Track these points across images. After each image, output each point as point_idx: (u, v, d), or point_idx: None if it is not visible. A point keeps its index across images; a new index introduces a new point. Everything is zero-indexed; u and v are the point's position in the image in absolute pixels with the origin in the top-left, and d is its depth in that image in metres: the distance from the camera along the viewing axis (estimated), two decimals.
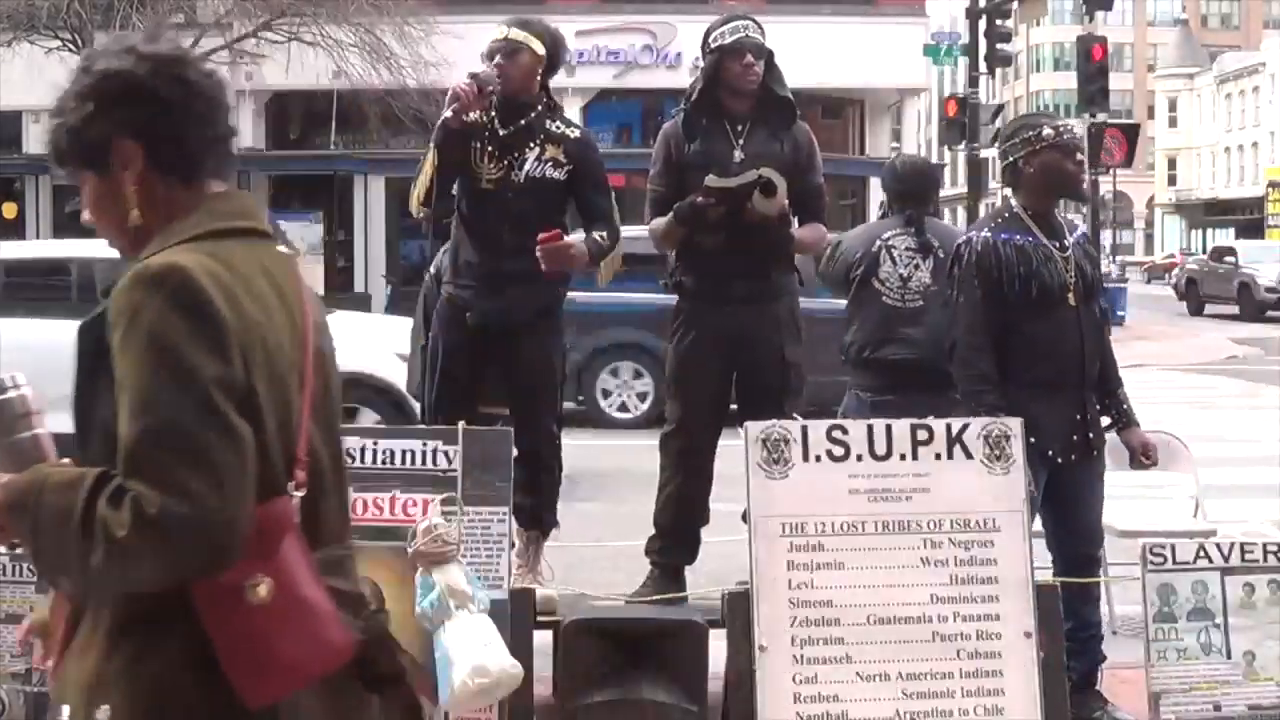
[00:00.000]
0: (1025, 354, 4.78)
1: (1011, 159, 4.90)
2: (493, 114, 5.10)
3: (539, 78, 5.15)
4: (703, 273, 5.08)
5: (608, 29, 28.61)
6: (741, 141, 5.10)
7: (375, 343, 10.21)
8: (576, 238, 5.12)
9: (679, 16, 26.91)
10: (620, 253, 5.19)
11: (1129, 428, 5.10)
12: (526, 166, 5.07)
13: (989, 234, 4.82)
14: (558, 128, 5.14)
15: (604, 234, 5.08)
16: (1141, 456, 5.12)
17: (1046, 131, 4.88)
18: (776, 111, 5.17)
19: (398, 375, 9.74)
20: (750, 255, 4.98)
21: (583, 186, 5.11)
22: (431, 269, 5.87)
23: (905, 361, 5.77)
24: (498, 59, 5.04)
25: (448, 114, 4.94)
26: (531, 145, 5.08)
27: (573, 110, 28.91)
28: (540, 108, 5.14)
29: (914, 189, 6.08)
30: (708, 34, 5.15)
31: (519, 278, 5.05)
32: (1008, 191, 5.04)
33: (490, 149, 5.08)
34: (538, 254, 4.88)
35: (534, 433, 4.59)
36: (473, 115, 5.06)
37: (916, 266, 5.86)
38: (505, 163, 5.06)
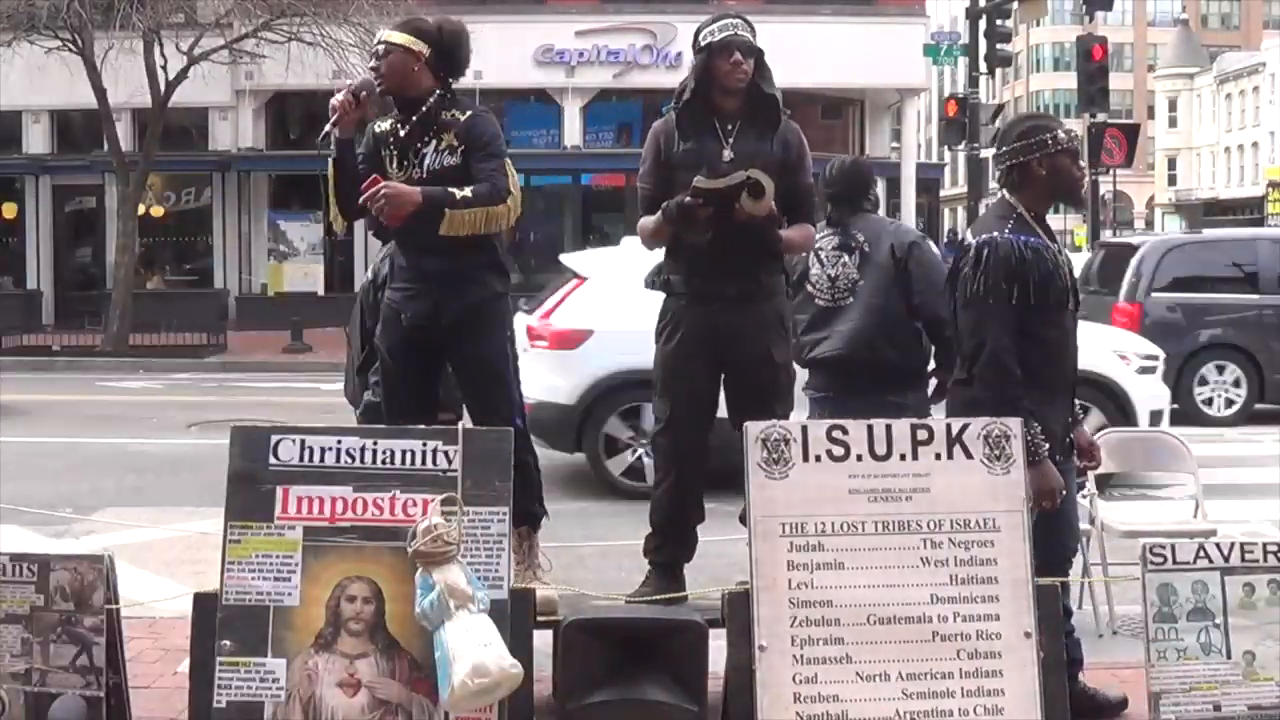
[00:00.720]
0: (1036, 357, 4.73)
1: (1023, 159, 4.82)
2: (397, 118, 5.14)
3: (418, 72, 5.11)
4: (690, 272, 5.08)
5: (608, 29, 28.64)
6: (731, 141, 5.08)
7: (1102, 346, 10.52)
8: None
9: (679, 16, 26.93)
10: (495, 212, 5.02)
11: (1075, 426, 5.10)
12: (426, 161, 5.08)
13: (1010, 235, 4.74)
14: (451, 115, 5.12)
15: (466, 189, 4.97)
16: (1086, 458, 5.14)
17: (1060, 135, 4.84)
18: (766, 111, 5.16)
19: (1121, 376, 10.38)
20: (738, 255, 4.98)
21: (470, 156, 5.08)
22: (368, 275, 5.88)
23: (834, 358, 5.93)
24: (371, 63, 5.11)
25: (328, 128, 4.99)
26: (427, 139, 5.09)
27: (573, 110, 28.96)
28: (433, 100, 5.13)
29: (841, 191, 6.19)
30: (698, 33, 5.15)
31: (443, 276, 5.08)
32: (1004, 192, 4.93)
33: (396, 152, 5.12)
34: (362, 203, 4.94)
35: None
36: (385, 124, 5.13)
37: (844, 265, 6.02)
38: (410, 162, 5.08)
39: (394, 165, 5.12)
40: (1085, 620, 6.30)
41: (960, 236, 5.18)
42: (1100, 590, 6.40)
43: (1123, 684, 5.17)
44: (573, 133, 29.21)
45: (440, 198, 4.93)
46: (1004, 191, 4.94)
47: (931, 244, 6.17)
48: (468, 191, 4.95)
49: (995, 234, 4.74)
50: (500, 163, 5.08)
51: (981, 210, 27.08)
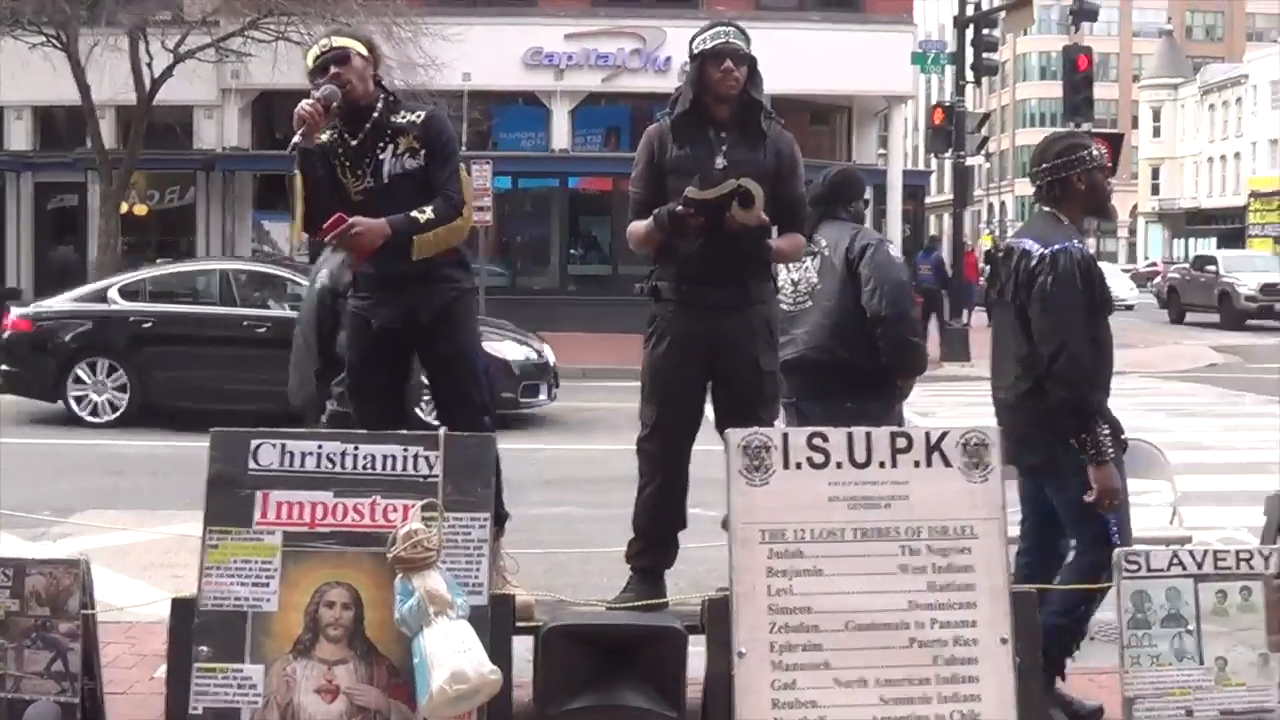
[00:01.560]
0: (1095, 360, 4.96)
1: (1064, 175, 5.12)
2: (338, 127, 5.10)
3: (371, 77, 5.13)
4: (679, 279, 5.10)
5: (596, 32, 28.65)
6: (725, 148, 5.10)
7: None
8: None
9: (668, 21, 26.99)
10: (455, 227, 5.08)
11: None
12: (386, 167, 5.08)
13: (1078, 244, 5.02)
14: (403, 118, 5.12)
15: (427, 209, 4.99)
16: None
17: (1096, 152, 5.18)
18: (758, 119, 5.19)
19: None
20: (727, 263, 5.00)
21: (429, 162, 5.10)
22: (322, 280, 5.87)
23: (792, 361, 5.90)
24: (332, 69, 5.03)
25: (297, 138, 4.94)
26: (383, 145, 5.08)
27: (561, 113, 28.96)
28: (380, 105, 5.12)
29: (822, 196, 6.19)
30: (693, 40, 5.18)
31: (415, 278, 5.08)
32: (1040, 206, 5.24)
33: (348, 162, 5.10)
34: (327, 242, 4.95)
35: (463, 428, 4.62)
36: (325, 135, 5.07)
37: (805, 269, 6.07)
38: (366, 170, 5.08)
39: (348, 176, 5.10)
40: None
41: (1000, 244, 5.33)
42: None
43: (1099, 689, 5.21)
44: (560, 136, 29.20)
45: (407, 225, 4.96)
46: (1040, 205, 5.23)
47: (890, 248, 6.16)
48: (429, 213, 4.98)
49: (1068, 243, 4.99)
50: (457, 169, 5.13)
51: (967, 218, 27.20)
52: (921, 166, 48.26)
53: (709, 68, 5.06)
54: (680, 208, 4.86)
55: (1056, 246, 4.96)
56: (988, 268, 29.20)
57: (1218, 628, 4.48)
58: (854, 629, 4.12)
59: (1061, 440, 4.90)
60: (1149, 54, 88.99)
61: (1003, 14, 26.43)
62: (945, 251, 28.14)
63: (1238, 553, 4.60)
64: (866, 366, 5.94)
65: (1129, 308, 41.13)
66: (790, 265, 6.01)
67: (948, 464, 4.31)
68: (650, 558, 5.19)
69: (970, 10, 26.31)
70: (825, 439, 4.30)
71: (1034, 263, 4.98)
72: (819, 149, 29.75)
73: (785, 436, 4.30)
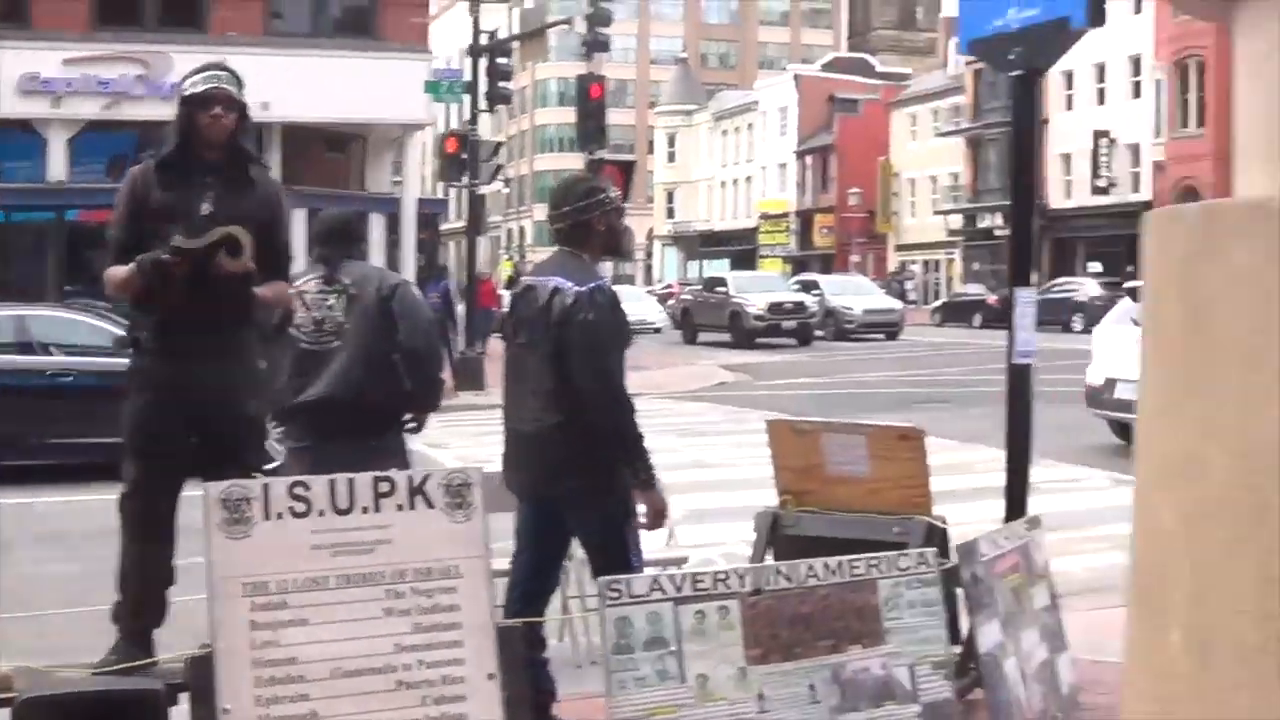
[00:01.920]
0: None
1: (585, 217, 5.31)
2: None
3: None
4: (161, 328, 4.98)
5: (98, 57, 27.39)
6: (211, 195, 5.01)
7: None
8: None
9: (174, 46, 26.11)
10: None
11: None
12: None
13: (605, 282, 5.27)
14: None
15: None
16: None
17: (614, 194, 5.43)
18: (247, 165, 5.14)
19: None
20: (210, 311, 4.92)
21: None
22: None
23: (319, 401, 5.91)
24: None
25: None
26: None
27: (58, 142, 27.45)
28: None
29: (332, 236, 6.27)
30: (182, 82, 5.07)
31: None
32: (561, 247, 5.38)
33: None
34: None
35: None
36: None
37: (329, 308, 6.03)
38: None
39: None
40: (565, 652, 6.55)
41: (520, 274, 5.51)
42: (579, 623, 6.64)
43: (599, 713, 5.39)
44: (57, 166, 27.67)
45: None
46: (562, 246, 5.38)
47: (413, 287, 6.29)
48: None
49: (599, 281, 5.23)
50: None
51: (480, 246, 27.59)
52: (439, 194, 48.57)
53: (197, 113, 4.97)
54: (166, 256, 4.75)
55: (592, 285, 5.18)
56: (508, 295, 29.82)
57: (699, 646, 4.68)
58: (341, 676, 4.11)
59: (597, 469, 5.11)
60: (665, 80, 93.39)
61: (517, 44, 27.10)
62: (458, 280, 28.57)
63: (715, 574, 4.84)
64: (392, 404, 5.99)
65: (657, 330, 42.85)
66: (311, 304, 5.98)
67: (431, 505, 4.37)
68: (138, 620, 5.02)
69: (484, 39, 26.83)
70: (307, 488, 4.27)
71: (570, 301, 5.14)
72: (334, 177, 29.57)
73: (266, 487, 4.25)
